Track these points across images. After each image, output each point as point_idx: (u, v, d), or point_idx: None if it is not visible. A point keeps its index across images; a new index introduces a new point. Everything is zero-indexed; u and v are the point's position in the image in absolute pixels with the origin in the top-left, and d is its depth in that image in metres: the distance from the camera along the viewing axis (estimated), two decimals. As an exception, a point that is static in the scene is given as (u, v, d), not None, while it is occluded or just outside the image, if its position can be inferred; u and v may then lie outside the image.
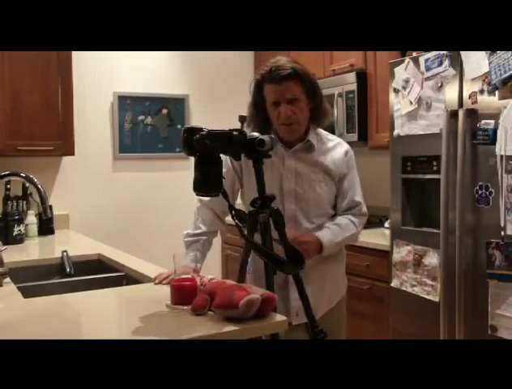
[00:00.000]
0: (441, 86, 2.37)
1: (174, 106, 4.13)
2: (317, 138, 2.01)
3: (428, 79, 2.43)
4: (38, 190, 2.12)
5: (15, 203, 3.31)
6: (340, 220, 2.00)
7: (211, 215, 2.02)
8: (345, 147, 2.06)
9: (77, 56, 3.53)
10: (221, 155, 1.57)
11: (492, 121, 2.14)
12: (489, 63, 2.12)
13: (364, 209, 2.06)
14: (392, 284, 2.66)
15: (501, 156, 2.08)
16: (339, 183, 2.02)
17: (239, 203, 2.05)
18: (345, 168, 2.02)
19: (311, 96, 1.93)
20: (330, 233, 1.94)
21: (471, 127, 2.23)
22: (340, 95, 3.39)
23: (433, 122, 2.41)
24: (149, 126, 4.05)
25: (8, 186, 3.31)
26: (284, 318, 1.49)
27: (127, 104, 3.96)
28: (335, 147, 2.04)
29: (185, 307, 1.53)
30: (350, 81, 3.34)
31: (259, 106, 1.96)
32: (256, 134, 1.63)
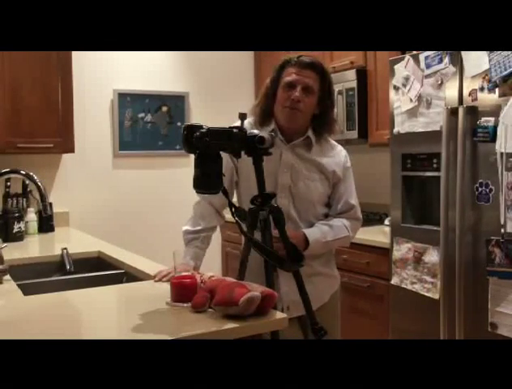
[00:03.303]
0: (442, 83, 2.37)
1: (174, 104, 4.12)
2: (316, 137, 1.99)
3: (428, 76, 2.43)
4: (38, 187, 2.12)
5: (15, 201, 3.31)
6: (333, 221, 2.00)
7: (210, 210, 2.01)
8: (343, 151, 2.07)
9: (77, 54, 3.52)
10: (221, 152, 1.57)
11: (492, 119, 2.14)
12: (489, 60, 2.11)
13: (359, 214, 2.06)
14: (392, 282, 2.66)
15: (501, 154, 2.08)
16: (334, 186, 2.01)
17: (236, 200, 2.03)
18: (341, 171, 2.02)
19: (323, 97, 1.94)
20: (318, 232, 1.93)
21: (471, 125, 2.23)
22: (340, 92, 3.38)
23: (433, 120, 2.41)
24: (149, 124, 4.05)
25: (8, 184, 3.31)
26: (284, 315, 1.49)
27: (127, 101, 3.96)
28: (334, 150, 2.04)
29: (185, 304, 1.53)
30: (350, 78, 3.34)
31: (273, 87, 1.95)
32: (256, 131, 1.62)
